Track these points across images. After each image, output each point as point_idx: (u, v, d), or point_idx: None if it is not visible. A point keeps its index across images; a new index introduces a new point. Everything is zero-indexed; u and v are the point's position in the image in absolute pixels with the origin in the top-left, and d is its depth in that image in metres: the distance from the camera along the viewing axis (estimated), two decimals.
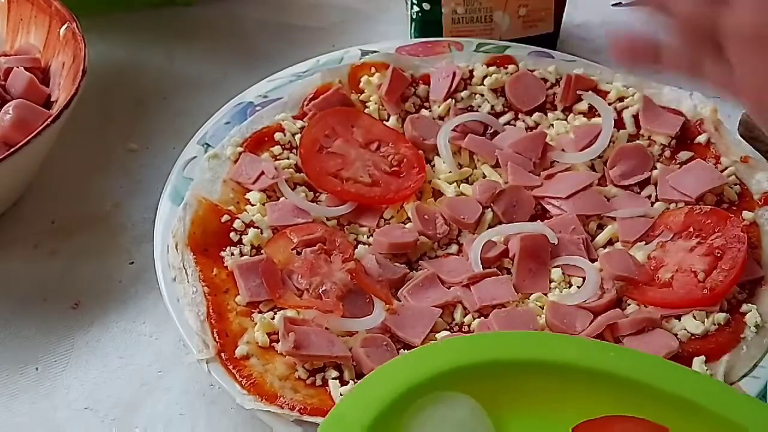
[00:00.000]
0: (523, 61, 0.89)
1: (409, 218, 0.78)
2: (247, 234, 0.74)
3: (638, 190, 0.81)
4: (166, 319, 0.72)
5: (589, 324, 0.70)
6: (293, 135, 0.82)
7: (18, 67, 0.85)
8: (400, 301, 0.72)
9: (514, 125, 0.86)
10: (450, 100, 0.86)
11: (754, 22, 0.55)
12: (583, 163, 0.82)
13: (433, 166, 0.83)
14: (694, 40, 0.58)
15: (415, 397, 0.56)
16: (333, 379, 0.66)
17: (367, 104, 0.86)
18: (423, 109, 0.87)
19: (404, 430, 0.55)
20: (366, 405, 0.55)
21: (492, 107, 0.86)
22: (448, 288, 0.73)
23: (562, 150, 0.83)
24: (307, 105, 0.85)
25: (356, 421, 0.54)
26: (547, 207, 0.79)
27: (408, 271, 0.75)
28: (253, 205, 0.77)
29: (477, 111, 0.86)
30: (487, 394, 0.58)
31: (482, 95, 0.87)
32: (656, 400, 0.58)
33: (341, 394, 0.65)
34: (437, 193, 0.82)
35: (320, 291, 0.71)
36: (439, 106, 0.86)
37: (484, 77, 0.88)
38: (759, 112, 0.58)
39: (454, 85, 0.86)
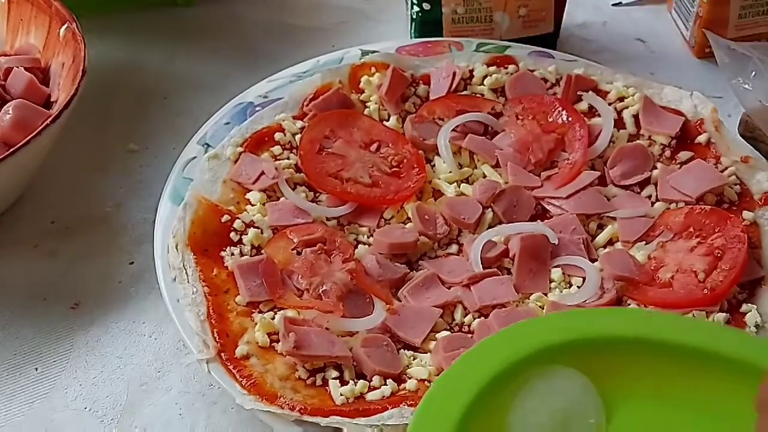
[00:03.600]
0: (523, 61, 0.89)
1: (409, 218, 0.78)
2: (247, 234, 0.74)
3: (638, 190, 0.81)
4: (166, 320, 0.73)
5: None
6: (293, 135, 0.82)
7: (18, 67, 0.85)
8: (400, 301, 0.72)
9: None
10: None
11: None
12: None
13: (434, 166, 0.83)
14: None
15: (524, 369, 0.53)
16: (333, 379, 0.66)
17: (367, 104, 0.86)
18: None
19: (511, 402, 0.52)
20: (471, 377, 0.53)
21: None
22: (449, 288, 0.73)
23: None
24: (307, 105, 0.85)
25: (464, 390, 0.52)
26: (548, 207, 0.79)
27: (408, 271, 0.75)
28: (253, 205, 0.77)
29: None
30: (598, 371, 0.54)
31: (482, 95, 0.87)
32: None
33: (341, 394, 0.65)
34: (437, 193, 0.82)
35: (320, 291, 0.71)
36: None
37: (484, 77, 0.88)
38: None
39: (454, 85, 0.86)
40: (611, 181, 0.81)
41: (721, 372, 0.54)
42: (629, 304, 0.72)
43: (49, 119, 0.76)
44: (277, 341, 0.68)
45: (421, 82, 0.88)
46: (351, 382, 0.66)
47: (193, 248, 0.73)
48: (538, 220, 0.78)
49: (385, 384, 0.66)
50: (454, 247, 0.77)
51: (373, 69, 0.88)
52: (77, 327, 0.75)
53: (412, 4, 0.96)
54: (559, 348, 0.54)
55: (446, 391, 0.52)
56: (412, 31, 0.99)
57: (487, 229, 0.77)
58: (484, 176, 0.82)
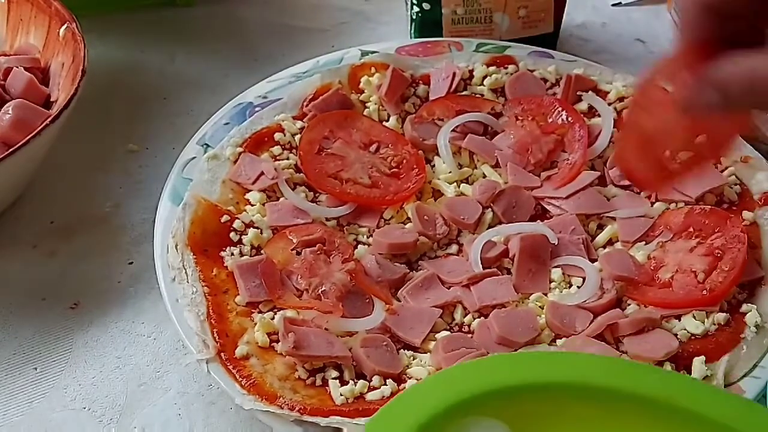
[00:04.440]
0: (523, 61, 0.89)
1: (409, 218, 0.78)
2: (246, 234, 0.74)
3: (638, 190, 0.81)
4: (165, 320, 0.73)
5: (589, 324, 0.70)
6: (293, 135, 0.82)
7: (18, 67, 0.85)
8: (399, 301, 0.72)
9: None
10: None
11: None
12: None
13: (433, 166, 0.83)
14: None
15: (446, 421, 0.52)
16: (333, 379, 0.66)
17: (367, 104, 0.86)
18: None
19: None
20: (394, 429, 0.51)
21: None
22: (448, 288, 0.73)
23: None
24: (307, 105, 0.85)
25: None
26: (547, 207, 0.79)
27: (408, 271, 0.75)
28: (252, 206, 0.77)
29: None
30: (522, 420, 0.53)
31: (482, 95, 0.87)
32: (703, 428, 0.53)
33: (341, 394, 0.65)
34: (437, 194, 0.82)
35: (320, 291, 0.71)
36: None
37: (484, 77, 0.88)
38: None
39: (454, 85, 0.86)
40: (611, 181, 0.81)
41: (647, 415, 0.53)
42: (629, 304, 0.72)
43: (49, 119, 0.76)
44: (277, 341, 0.68)
45: (420, 82, 0.88)
46: (351, 382, 0.66)
47: (193, 248, 0.73)
48: (538, 220, 0.78)
49: (385, 384, 0.66)
50: (453, 248, 0.77)
51: (372, 69, 0.88)
52: (76, 327, 0.75)
53: (412, 4, 0.96)
54: (482, 397, 0.53)
55: None
56: (412, 31, 0.99)
57: (487, 229, 0.77)
58: (484, 176, 0.82)
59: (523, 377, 0.53)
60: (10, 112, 0.79)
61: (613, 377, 0.54)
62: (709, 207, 0.77)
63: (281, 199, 0.78)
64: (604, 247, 0.77)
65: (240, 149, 0.80)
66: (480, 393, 0.52)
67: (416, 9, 0.96)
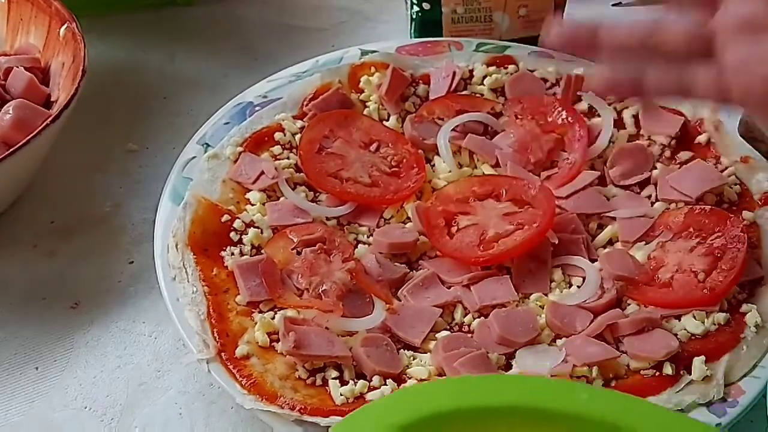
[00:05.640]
0: (523, 61, 0.89)
1: (409, 218, 0.78)
2: (247, 234, 0.74)
3: (638, 190, 0.81)
4: (165, 319, 0.73)
5: (589, 324, 0.70)
6: (293, 135, 0.82)
7: (18, 67, 0.85)
8: (400, 300, 0.72)
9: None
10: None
11: (743, 13, 0.56)
12: None
13: (433, 165, 0.83)
14: (685, 55, 0.58)
15: None
16: (333, 379, 0.66)
17: (367, 104, 0.86)
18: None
19: None
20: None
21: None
22: (449, 288, 0.73)
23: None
24: (307, 105, 0.85)
25: None
26: None
27: (408, 270, 0.75)
28: (253, 205, 0.77)
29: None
30: None
31: (482, 95, 0.87)
32: None
33: (341, 394, 0.65)
34: None
35: (320, 291, 0.71)
36: None
37: (484, 77, 0.88)
38: (751, 105, 0.58)
39: (453, 85, 0.86)
40: (611, 181, 0.81)
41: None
42: (629, 304, 0.72)
43: (49, 119, 0.76)
44: (277, 341, 0.68)
45: (420, 81, 0.88)
46: (351, 381, 0.66)
47: (193, 248, 0.73)
48: None
49: (385, 384, 0.66)
50: None
51: (372, 69, 0.88)
52: (77, 327, 0.75)
53: (412, 4, 0.96)
54: (444, 416, 0.51)
55: None
56: (412, 31, 0.99)
57: None
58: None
59: (462, 402, 0.51)
60: (10, 112, 0.79)
61: (549, 398, 0.51)
62: (710, 207, 0.77)
63: (281, 199, 0.78)
64: (604, 246, 0.77)
65: (240, 149, 0.80)
66: (439, 412, 0.50)
67: (416, 8, 0.96)
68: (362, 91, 0.87)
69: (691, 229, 0.76)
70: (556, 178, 0.81)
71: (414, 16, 0.97)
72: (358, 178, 0.80)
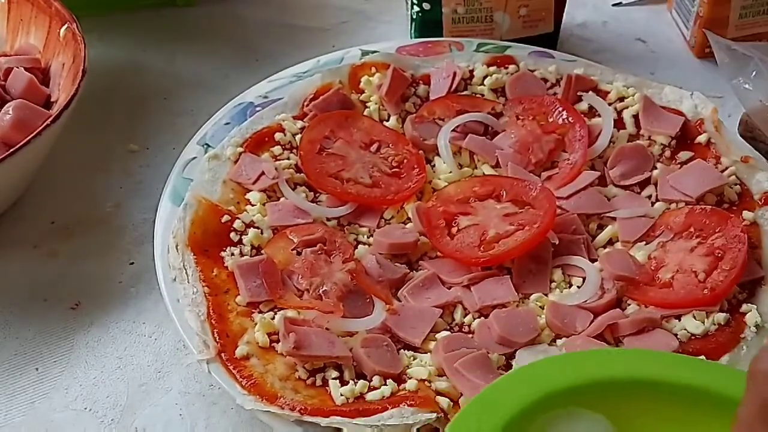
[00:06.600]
0: (523, 61, 0.89)
1: (409, 218, 0.78)
2: (247, 234, 0.74)
3: (638, 190, 0.81)
4: (166, 320, 0.73)
5: (590, 324, 0.70)
6: (293, 135, 0.82)
7: (18, 68, 0.85)
8: (400, 301, 0.72)
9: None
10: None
11: None
12: None
13: (434, 166, 0.83)
14: None
15: (547, 407, 0.52)
16: (333, 379, 0.66)
17: (367, 104, 0.86)
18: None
19: None
20: (496, 409, 0.51)
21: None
22: (449, 288, 0.73)
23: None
24: (308, 105, 0.85)
25: (487, 425, 0.50)
26: None
27: (408, 271, 0.75)
28: (253, 206, 0.77)
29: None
30: (623, 416, 0.52)
31: (482, 95, 0.87)
32: None
33: (341, 395, 0.65)
34: None
35: (320, 291, 0.71)
36: None
37: (485, 77, 0.88)
38: None
39: (454, 85, 0.86)
40: (611, 181, 0.81)
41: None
42: (629, 304, 0.72)
43: (49, 119, 0.76)
44: (277, 341, 0.68)
45: (421, 82, 0.88)
46: (351, 382, 0.66)
47: (193, 248, 0.73)
48: None
49: (385, 384, 0.66)
50: None
51: (373, 69, 0.88)
52: (77, 327, 0.75)
53: (412, 4, 0.96)
54: (578, 389, 0.52)
55: (468, 425, 0.51)
56: (413, 31, 0.99)
57: None
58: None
59: (614, 372, 0.52)
60: (10, 112, 0.79)
61: (702, 377, 0.53)
62: (710, 207, 0.77)
63: (282, 199, 0.78)
64: (605, 247, 0.77)
65: (240, 149, 0.80)
66: (577, 385, 0.52)
67: (417, 8, 0.96)
68: (363, 92, 0.87)
69: (692, 229, 0.76)
70: (556, 179, 0.81)
71: (414, 17, 0.97)
72: (359, 178, 0.80)
